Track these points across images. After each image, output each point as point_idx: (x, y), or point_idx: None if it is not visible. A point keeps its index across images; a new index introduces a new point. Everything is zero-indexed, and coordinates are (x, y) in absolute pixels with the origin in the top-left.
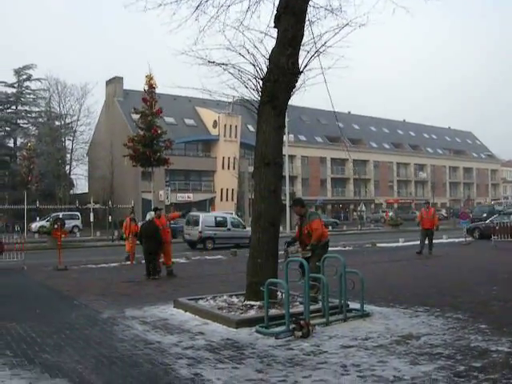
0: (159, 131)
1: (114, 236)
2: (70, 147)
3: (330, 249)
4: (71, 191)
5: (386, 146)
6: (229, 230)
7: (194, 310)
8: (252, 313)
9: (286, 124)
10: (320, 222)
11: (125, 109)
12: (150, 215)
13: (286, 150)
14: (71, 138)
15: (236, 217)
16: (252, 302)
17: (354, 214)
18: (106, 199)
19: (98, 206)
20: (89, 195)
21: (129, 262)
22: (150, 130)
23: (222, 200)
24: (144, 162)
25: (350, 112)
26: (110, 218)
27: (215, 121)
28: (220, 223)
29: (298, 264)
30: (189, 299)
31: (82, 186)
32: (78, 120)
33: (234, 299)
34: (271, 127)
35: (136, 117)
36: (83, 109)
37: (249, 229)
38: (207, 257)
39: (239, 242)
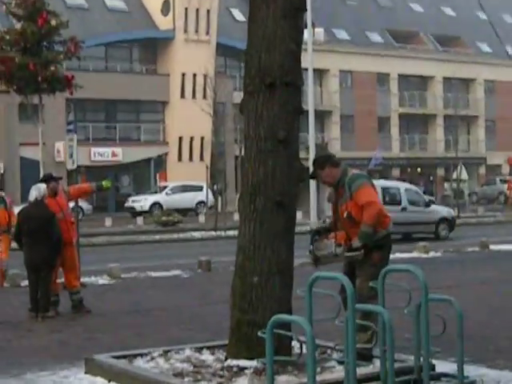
0: (53, 22)
1: None
2: None
3: (396, 255)
4: None
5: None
6: (404, 209)
7: (126, 377)
8: (242, 383)
9: (309, 7)
10: (373, 189)
11: None
12: (38, 191)
13: (310, 60)
14: None
15: (415, 188)
16: (241, 362)
17: (445, 186)
18: None
19: None
20: None
21: None
22: (33, 19)
23: (180, 159)
24: (24, 84)
25: None
26: None
27: (166, 1)
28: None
29: (339, 287)
30: (115, 356)
31: None
32: None
33: (207, 356)
34: (277, 13)
35: None
36: None
37: (437, 208)
38: (153, 273)
39: (415, 230)
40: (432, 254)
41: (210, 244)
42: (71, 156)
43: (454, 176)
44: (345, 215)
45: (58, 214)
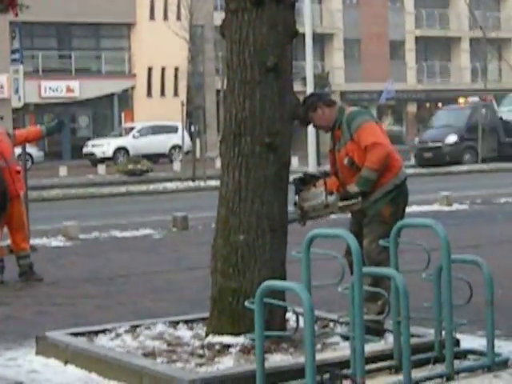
0: None
1: None
2: None
3: (412, 208)
4: None
5: None
6: None
7: (85, 358)
8: (226, 363)
9: None
10: (378, 127)
11: None
12: None
13: None
14: None
15: None
16: (225, 339)
17: None
18: None
19: None
20: None
21: None
22: None
23: (150, 94)
24: None
25: None
26: None
27: None
28: None
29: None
30: (73, 334)
31: None
32: None
33: (183, 332)
34: None
35: None
36: None
37: None
38: (118, 233)
39: None
40: (456, 206)
41: (187, 197)
42: (17, 91)
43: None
44: (345, 161)
45: (6, 157)
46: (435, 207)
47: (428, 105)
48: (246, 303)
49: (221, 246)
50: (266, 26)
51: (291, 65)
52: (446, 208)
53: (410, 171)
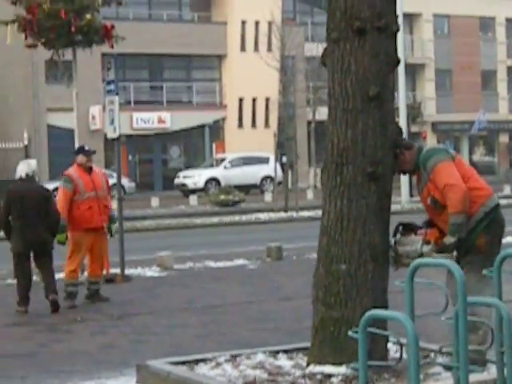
0: None
1: None
2: None
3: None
4: None
5: None
6: None
7: None
8: None
9: None
10: (453, 166)
11: None
12: (28, 166)
13: (399, 4)
14: None
15: None
16: (327, 368)
17: None
18: None
19: None
20: None
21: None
22: None
23: (241, 125)
24: (55, 36)
25: None
26: None
27: None
28: None
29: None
30: (173, 363)
31: None
32: None
33: (283, 361)
34: None
35: None
36: None
37: None
38: (212, 263)
39: None
40: None
41: (280, 228)
42: (112, 122)
43: None
44: (428, 201)
45: (90, 193)
46: None
47: None
48: (350, 332)
49: (322, 276)
50: (368, 56)
51: (393, 94)
52: None
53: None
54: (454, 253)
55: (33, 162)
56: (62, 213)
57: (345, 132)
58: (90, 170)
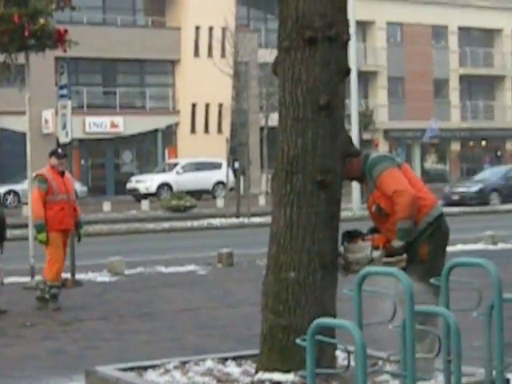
0: None
1: None
2: None
3: (457, 247)
4: None
5: None
6: None
7: None
8: None
9: None
10: (399, 172)
11: None
12: None
13: (351, 9)
14: None
15: None
16: (275, 375)
17: None
18: None
19: None
20: None
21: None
22: None
23: (193, 131)
24: (8, 40)
25: None
26: None
27: None
28: None
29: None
30: (122, 369)
31: None
32: None
33: (232, 368)
34: None
35: None
36: None
37: None
38: (163, 268)
39: None
40: (501, 245)
41: (231, 234)
42: (64, 127)
43: None
44: (373, 209)
45: (62, 195)
46: (480, 246)
47: (472, 143)
48: (298, 340)
49: (272, 283)
50: (319, 65)
51: (343, 103)
52: (491, 247)
53: (455, 210)
54: (404, 255)
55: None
56: (39, 212)
57: (295, 140)
58: (62, 173)
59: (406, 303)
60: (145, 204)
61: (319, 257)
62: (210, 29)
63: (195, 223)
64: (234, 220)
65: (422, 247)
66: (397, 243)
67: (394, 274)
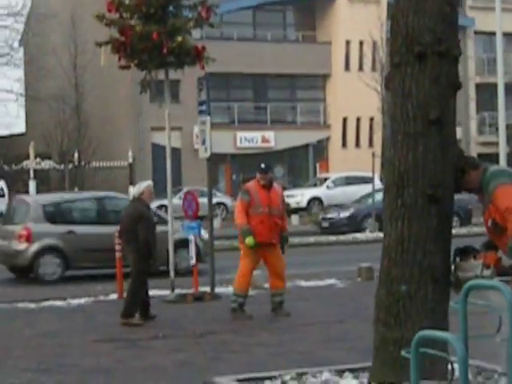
0: None
1: None
2: None
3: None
4: None
5: None
6: None
7: None
8: None
9: None
10: None
11: None
12: (137, 188)
13: (498, 21)
14: None
15: None
16: None
17: None
18: (69, 149)
19: (48, 164)
20: (26, 140)
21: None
22: None
23: (345, 145)
24: (147, 58)
25: None
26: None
27: None
28: None
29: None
30: (240, 380)
31: (10, 117)
32: None
33: (348, 380)
34: None
35: None
36: None
37: None
38: (303, 282)
39: None
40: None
41: (376, 248)
42: (204, 142)
43: None
44: (489, 223)
45: (263, 208)
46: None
47: None
48: (403, 352)
49: (383, 296)
50: (429, 80)
51: (455, 117)
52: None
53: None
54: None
55: (144, 184)
56: (242, 220)
57: (406, 155)
58: (269, 186)
59: (509, 314)
60: (295, 218)
61: (430, 270)
62: (361, 43)
63: (341, 237)
64: (378, 234)
65: None
66: (507, 261)
67: (498, 287)
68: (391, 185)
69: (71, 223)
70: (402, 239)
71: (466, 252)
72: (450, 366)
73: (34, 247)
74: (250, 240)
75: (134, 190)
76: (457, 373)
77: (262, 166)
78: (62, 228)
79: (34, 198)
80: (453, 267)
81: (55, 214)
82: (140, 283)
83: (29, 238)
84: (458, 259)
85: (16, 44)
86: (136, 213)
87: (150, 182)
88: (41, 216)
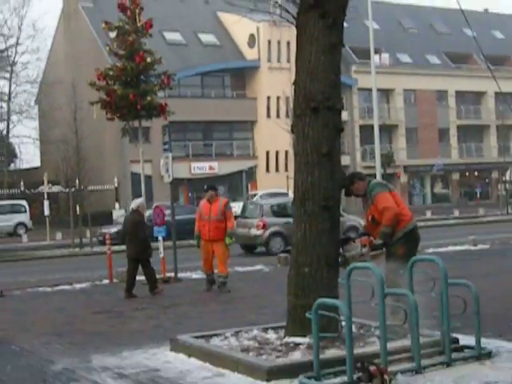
0: (149, 59)
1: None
2: (7, 91)
3: (449, 248)
4: (11, 165)
5: None
6: None
7: (202, 353)
8: (296, 355)
9: (371, 35)
10: (389, 195)
11: (95, 21)
12: (134, 203)
13: (373, 81)
14: (7, 76)
15: None
16: (297, 339)
17: (499, 187)
18: (72, 177)
19: (57, 188)
20: (41, 171)
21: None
22: (132, 57)
23: (268, 170)
24: (126, 112)
25: (487, 10)
26: (77, 208)
27: (252, 35)
28: None
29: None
30: (195, 337)
31: (29, 155)
32: (17, 44)
33: (271, 335)
34: (319, 49)
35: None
36: (25, 24)
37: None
38: (240, 268)
39: None
40: (480, 246)
41: None
42: (167, 171)
43: (506, 178)
44: (369, 219)
45: (205, 216)
46: (465, 247)
47: (467, 174)
48: (306, 314)
49: (293, 276)
50: (321, 126)
51: (339, 151)
52: (473, 247)
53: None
54: (384, 250)
55: (138, 201)
56: (195, 225)
57: (306, 178)
58: (213, 200)
59: (378, 288)
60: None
61: (325, 257)
62: (277, 98)
63: None
64: None
65: (399, 248)
66: (378, 241)
67: (371, 268)
68: (297, 199)
69: (287, 216)
70: (305, 236)
71: (346, 240)
72: (339, 323)
73: (267, 232)
74: (196, 240)
75: (132, 205)
76: (344, 328)
77: (205, 187)
78: (283, 220)
79: (264, 202)
80: (341, 250)
81: (277, 211)
82: (149, 266)
83: (264, 226)
84: (343, 245)
85: (32, 103)
86: (135, 220)
87: (142, 199)
88: (269, 212)
